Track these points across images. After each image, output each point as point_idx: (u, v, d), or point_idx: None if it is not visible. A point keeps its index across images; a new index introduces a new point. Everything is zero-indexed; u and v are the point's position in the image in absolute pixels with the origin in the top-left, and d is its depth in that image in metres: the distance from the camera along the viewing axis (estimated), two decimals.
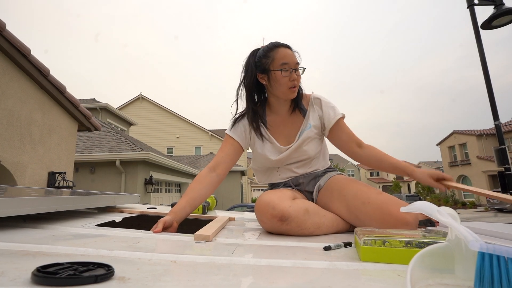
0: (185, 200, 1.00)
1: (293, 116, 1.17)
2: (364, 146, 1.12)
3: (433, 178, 0.96)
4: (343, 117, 1.15)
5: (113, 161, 6.85)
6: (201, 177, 1.07)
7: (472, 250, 0.42)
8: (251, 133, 1.18)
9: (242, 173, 16.10)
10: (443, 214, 0.49)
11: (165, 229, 0.88)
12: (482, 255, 0.40)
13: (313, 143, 1.15)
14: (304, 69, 1.10)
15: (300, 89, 1.15)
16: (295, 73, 1.07)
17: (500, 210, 15.28)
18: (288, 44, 1.11)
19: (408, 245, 0.59)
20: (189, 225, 1.26)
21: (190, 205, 1.00)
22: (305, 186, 1.17)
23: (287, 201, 0.91)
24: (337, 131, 1.14)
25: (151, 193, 7.60)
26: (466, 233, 0.43)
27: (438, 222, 1.15)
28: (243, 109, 1.20)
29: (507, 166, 3.51)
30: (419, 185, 25.33)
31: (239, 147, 1.15)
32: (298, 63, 1.08)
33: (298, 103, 1.16)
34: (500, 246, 0.39)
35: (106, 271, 0.38)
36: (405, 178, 37.62)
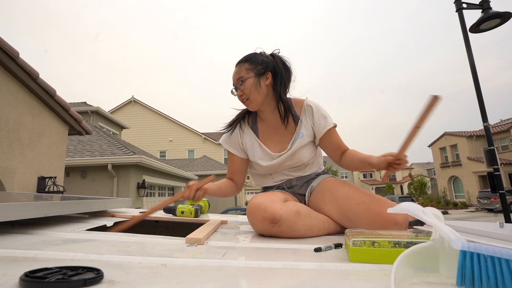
0: (217, 186, 1.17)
1: (285, 125, 1.16)
2: (346, 151, 1.14)
3: (387, 160, 0.92)
4: (335, 126, 1.16)
5: (105, 165, 6.77)
6: (225, 182, 1.22)
7: (455, 249, 0.43)
8: (242, 141, 1.22)
9: None
10: (428, 215, 0.50)
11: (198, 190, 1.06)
12: (463, 253, 0.42)
13: (307, 151, 1.15)
14: (243, 81, 1.10)
15: (282, 102, 1.14)
16: (239, 90, 1.13)
17: (491, 210, 15.54)
18: (240, 59, 1.15)
19: (397, 245, 0.60)
20: (181, 229, 1.26)
21: (218, 187, 1.17)
22: (298, 189, 1.18)
23: (278, 203, 0.91)
24: (326, 140, 1.15)
25: (144, 197, 7.52)
26: (449, 232, 0.45)
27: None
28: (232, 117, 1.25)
29: (496, 166, 3.58)
30: (412, 186, 25.61)
31: (239, 159, 1.23)
32: (239, 78, 1.12)
33: (285, 113, 1.14)
34: (480, 245, 0.40)
35: (95, 275, 0.38)
36: (398, 179, 38.05)
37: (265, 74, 1.12)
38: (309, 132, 1.15)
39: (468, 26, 3.74)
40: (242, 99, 1.14)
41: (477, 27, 3.76)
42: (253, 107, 1.15)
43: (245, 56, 1.15)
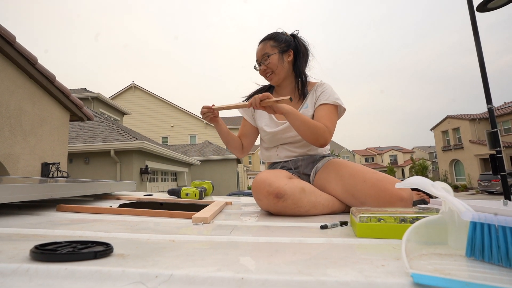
0: (228, 132, 1.26)
1: (298, 100, 1.24)
2: None
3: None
4: (334, 105, 1.16)
5: (108, 151, 6.80)
6: (236, 137, 1.32)
7: (465, 221, 0.43)
8: (254, 110, 1.32)
9: (238, 161, 16.14)
10: (437, 188, 0.50)
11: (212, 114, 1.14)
12: (474, 224, 0.41)
13: None
14: (268, 56, 1.18)
15: (303, 77, 1.23)
16: (263, 65, 1.20)
17: (491, 193, 15.64)
18: (264, 36, 1.22)
19: (403, 221, 0.60)
20: (186, 210, 1.26)
21: (228, 131, 1.25)
22: (303, 168, 1.19)
23: (283, 179, 0.92)
24: (317, 111, 1.17)
25: (147, 183, 7.59)
26: (459, 204, 0.44)
27: (429, 199, 1.18)
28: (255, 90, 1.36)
29: (498, 149, 3.56)
30: (413, 170, 25.72)
31: (250, 125, 1.33)
32: (264, 54, 1.19)
33: (302, 90, 1.23)
34: (491, 215, 0.40)
35: (105, 248, 0.38)
36: (399, 163, 38.17)
37: (288, 51, 1.20)
38: (312, 106, 1.20)
39: (475, 5, 3.62)
40: (266, 73, 1.21)
41: (484, 6, 3.64)
42: (276, 81, 1.22)
43: (269, 34, 1.22)
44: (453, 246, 0.46)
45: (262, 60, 1.20)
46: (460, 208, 0.43)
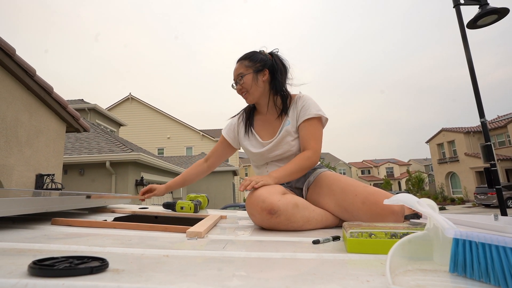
0: (179, 177, 1.39)
1: (277, 116, 1.24)
2: (304, 151, 1.15)
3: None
4: (317, 117, 1.16)
5: (103, 162, 6.77)
6: (196, 164, 1.41)
7: (448, 237, 0.45)
8: (239, 131, 1.33)
9: (234, 173, 16.08)
10: (423, 205, 0.52)
11: (148, 192, 1.34)
12: (456, 241, 0.43)
13: (293, 139, 1.19)
14: (242, 77, 1.20)
15: (283, 93, 1.22)
16: (238, 84, 1.22)
17: (488, 206, 15.69)
18: (241, 56, 1.24)
19: (393, 236, 0.62)
20: (181, 223, 1.27)
21: (183, 179, 1.38)
22: (295, 183, 1.21)
23: (276, 195, 0.93)
24: (301, 129, 1.18)
25: None
26: (443, 221, 0.46)
27: (421, 213, 1.19)
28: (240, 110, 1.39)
29: (492, 162, 3.60)
30: (409, 183, 25.78)
31: (228, 144, 1.36)
32: (239, 74, 1.21)
33: (283, 106, 1.22)
34: (472, 232, 0.41)
35: (100, 263, 0.39)
36: (396, 176, 38.24)
37: (263, 71, 1.21)
38: (294, 122, 1.20)
39: (465, 22, 3.75)
40: (241, 92, 1.24)
41: (474, 23, 3.76)
42: (251, 100, 1.24)
43: (245, 54, 1.24)
44: (438, 262, 0.47)
45: (237, 80, 1.22)
46: (444, 225, 0.45)
